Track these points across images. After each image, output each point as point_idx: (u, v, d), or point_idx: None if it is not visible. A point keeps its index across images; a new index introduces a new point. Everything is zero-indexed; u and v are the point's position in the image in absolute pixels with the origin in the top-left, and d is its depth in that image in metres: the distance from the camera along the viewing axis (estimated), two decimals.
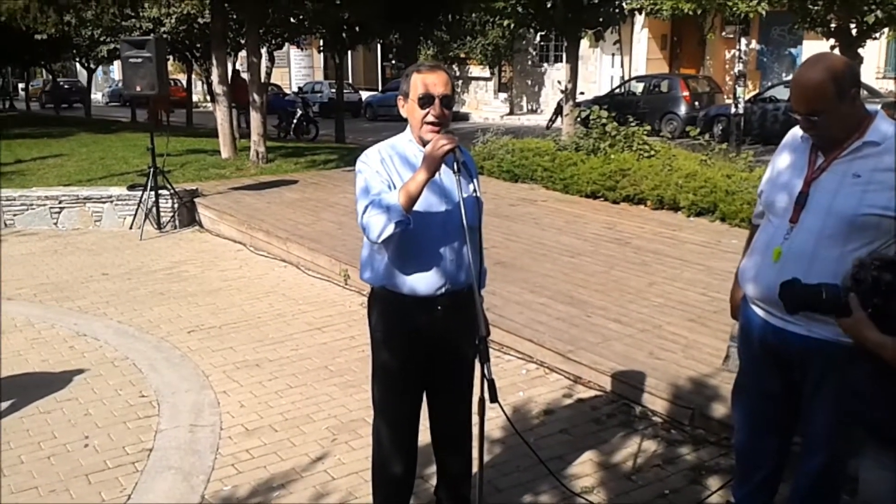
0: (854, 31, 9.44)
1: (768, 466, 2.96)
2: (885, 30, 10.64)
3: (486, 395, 2.39)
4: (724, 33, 23.23)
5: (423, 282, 2.84)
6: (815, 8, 9.66)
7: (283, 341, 5.49)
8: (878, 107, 2.86)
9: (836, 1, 9.10)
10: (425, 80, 2.76)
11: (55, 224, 9.47)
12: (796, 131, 2.74)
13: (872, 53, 19.21)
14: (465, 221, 2.56)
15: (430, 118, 2.76)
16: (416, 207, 2.70)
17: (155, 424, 4.24)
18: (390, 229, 2.65)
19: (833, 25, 9.46)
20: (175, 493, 3.57)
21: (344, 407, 4.43)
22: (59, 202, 9.54)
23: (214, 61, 13.98)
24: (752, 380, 2.90)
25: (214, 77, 14.11)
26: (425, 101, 2.75)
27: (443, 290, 2.85)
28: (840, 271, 2.26)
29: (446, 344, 2.90)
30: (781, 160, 2.77)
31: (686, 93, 19.80)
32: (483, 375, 2.40)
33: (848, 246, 2.47)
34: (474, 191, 2.81)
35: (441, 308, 2.86)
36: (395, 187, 2.73)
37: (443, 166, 2.70)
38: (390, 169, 2.81)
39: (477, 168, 3.10)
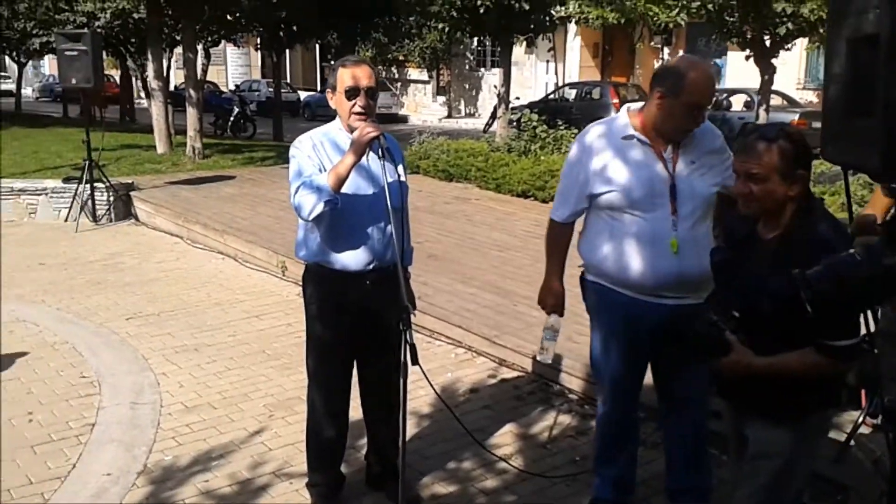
0: (768, 43, 10.04)
1: (636, 439, 3.29)
2: (800, 41, 11.30)
3: (409, 359, 2.65)
4: (652, 43, 24.04)
5: (353, 258, 3.11)
6: (731, 20, 10.24)
7: (220, 328, 5.68)
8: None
9: (750, 13, 9.68)
10: (352, 73, 3.03)
11: None
12: (601, 130, 2.99)
13: (793, 65, 20.17)
14: (388, 202, 2.84)
15: (356, 108, 3.04)
16: (345, 190, 2.97)
17: (97, 402, 4.41)
18: (320, 207, 2.92)
19: (749, 37, 10.05)
20: (118, 462, 3.76)
21: (281, 387, 4.66)
22: None
23: (150, 57, 13.95)
24: (622, 356, 3.08)
25: (150, 73, 14.08)
26: (352, 92, 3.03)
27: (371, 265, 3.13)
28: (710, 249, 2.63)
29: (374, 315, 3.16)
30: (612, 162, 2.93)
31: (616, 100, 20.40)
32: (405, 341, 2.65)
33: (707, 223, 2.92)
34: (399, 175, 3.12)
35: (369, 282, 3.14)
36: (325, 171, 3.00)
37: (371, 154, 2.99)
38: (321, 154, 3.08)
39: (404, 156, 3.38)
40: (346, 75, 3.04)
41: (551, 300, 3.24)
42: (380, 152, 2.91)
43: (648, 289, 2.93)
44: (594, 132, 3.02)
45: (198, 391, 4.60)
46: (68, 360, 5.02)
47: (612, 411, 3.20)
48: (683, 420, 3.16)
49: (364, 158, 2.96)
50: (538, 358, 3.43)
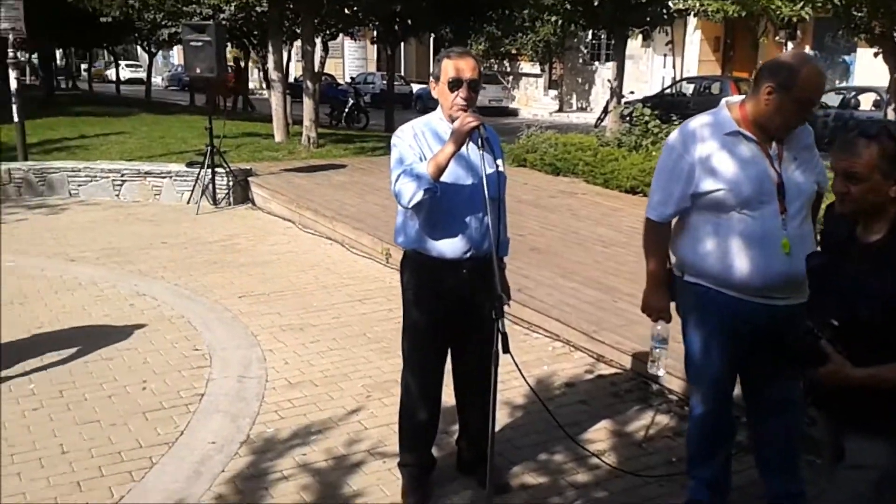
0: None
1: (732, 441, 3.21)
2: None
3: (500, 347, 2.68)
4: (776, 38, 23.06)
5: (450, 246, 3.16)
6: (859, 15, 9.72)
7: (325, 309, 5.86)
8: None
9: (879, 8, 9.16)
10: (455, 65, 3.07)
11: (117, 196, 10.03)
12: (703, 124, 2.87)
13: None
14: (486, 192, 2.86)
15: (458, 100, 3.08)
16: (445, 179, 3.02)
17: (207, 374, 4.64)
18: (420, 195, 2.98)
19: (877, 32, 9.51)
20: (223, 431, 3.96)
21: (379, 369, 4.77)
22: (122, 175, 10.09)
23: (271, 49, 14.46)
24: (723, 358, 3.00)
25: (270, 64, 14.58)
26: (455, 83, 3.07)
27: (468, 254, 3.17)
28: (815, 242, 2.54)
29: (469, 303, 3.20)
30: (718, 157, 2.82)
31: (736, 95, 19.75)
32: (497, 329, 2.67)
33: (810, 222, 2.87)
34: (498, 166, 3.14)
35: (466, 271, 3.18)
36: (425, 159, 3.05)
37: (471, 145, 3.02)
38: (422, 143, 3.14)
39: (501, 146, 3.39)
40: (450, 66, 3.08)
41: (657, 304, 3.15)
42: (479, 142, 2.94)
43: (755, 289, 2.83)
44: (696, 126, 2.92)
45: (301, 369, 4.77)
46: (183, 334, 5.30)
47: (710, 413, 3.12)
48: (778, 424, 3.06)
49: (464, 148, 2.99)
50: (650, 371, 3.32)
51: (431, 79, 3.22)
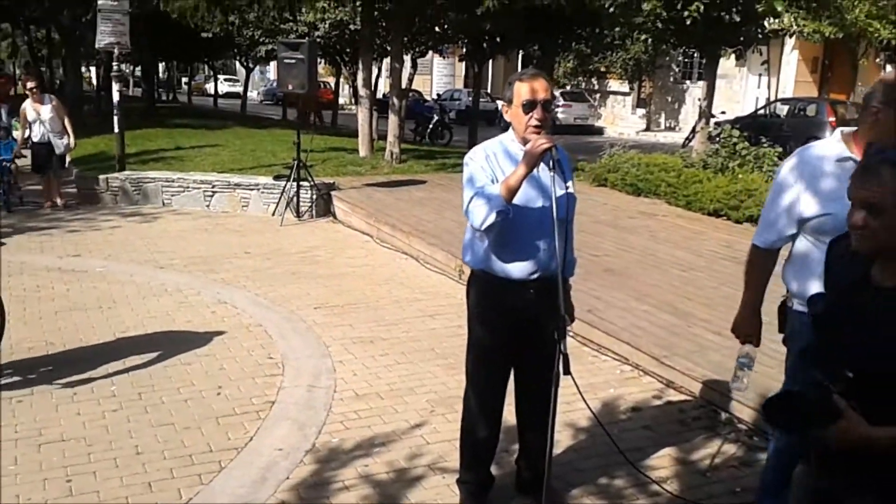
0: None
1: None
2: None
3: (560, 368, 2.69)
4: (877, 60, 22.21)
5: (518, 267, 3.18)
6: None
7: (396, 323, 5.96)
8: None
9: None
10: (530, 87, 3.10)
11: (207, 206, 10.43)
12: (813, 152, 2.87)
13: None
14: (555, 215, 2.88)
15: (533, 121, 3.10)
16: (516, 201, 3.04)
17: (279, 382, 4.79)
18: (492, 218, 3.01)
19: None
20: (291, 439, 4.07)
21: (444, 385, 4.82)
22: (213, 186, 10.50)
23: (360, 66, 14.79)
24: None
25: (359, 81, 14.92)
26: (529, 105, 3.10)
27: (535, 275, 3.19)
28: None
29: (534, 323, 3.20)
30: (825, 182, 2.81)
31: (832, 118, 19.04)
32: (559, 350, 2.69)
33: None
34: (568, 187, 3.16)
35: (533, 291, 3.19)
36: (497, 181, 3.08)
37: (542, 166, 3.04)
38: (494, 164, 3.17)
39: (577, 165, 3.41)
40: (524, 89, 3.11)
41: (747, 329, 3.16)
42: (551, 164, 2.97)
43: None
44: (805, 154, 2.94)
45: (369, 381, 4.86)
46: (259, 342, 5.48)
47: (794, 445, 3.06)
48: None
49: (535, 170, 3.02)
50: (732, 387, 3.31)
51: (504, 102, 3.26)
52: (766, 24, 14.23)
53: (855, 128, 2.87)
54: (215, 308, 6.23)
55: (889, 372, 1.84)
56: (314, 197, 10.14)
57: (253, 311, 6.18)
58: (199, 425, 4.22)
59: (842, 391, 1.86)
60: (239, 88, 37.58)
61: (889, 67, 13.02)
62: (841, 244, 2.09)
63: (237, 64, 39.20)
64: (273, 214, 10.05)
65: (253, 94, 41.61)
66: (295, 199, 9.99)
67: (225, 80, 46.05)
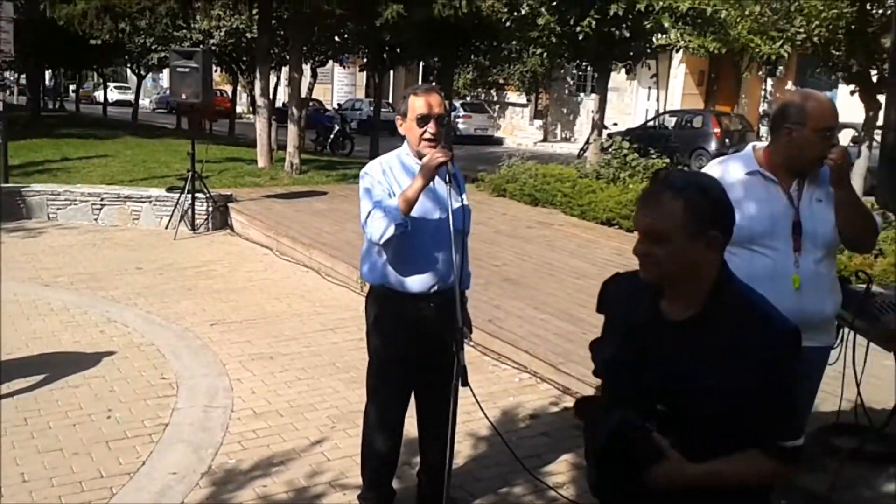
0: (875, 78, 9.66)
1: None
2: None
3: (459, 381, 2.73)
4: (759, 73, 23.43)
5: (417, 281, 3.21)
6: (837, 53, 9.92)
7: (296, 338, 5.88)
8: None
9: (857, 48, 9.35)
10: (425, 101, 3.14)
11: (95, 220, 10.02)
12: (728, 164, 3.00)
13: None
14: (451, 226, 2.93)
15: (427, 135, 3.14)
16: (413, 213, 3.07)
17: (172, 403, 4.64)
18: (391, 231, 3.03)
19: (854, 70, 9.70)
20: (185, 461, 3.96)
21: (346, 399, 4.79)
22: (101, 199, 10.10)
23: (258, 74, 14.56)
24: None
25: (257, 90, 14.68)
26: (423, 120, 3.13)
27: (434, 288, 3.22)
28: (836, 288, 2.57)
29: (434, 336, 3.21)
30: (734, 194, 2.84)
31: (717, 129, 20.00)
32: (457, 362, 2.73)
33: (832, 263, 2.91)
34: (463, 200, 3.20)
35: (433, 304, 3.22)
36: (394, 195, 3.10)
37: (437, 179, 3.08)
38: (390, 178, 3.19)
39: (465, 181, 3.46)
40: (419, 103, 3.14)
41: None
42: (447, 177, 3.01)
43: None
44: (720, 165, 3.04)
45: (268, 398, 4.78)
46: (151, 362, 5.30)
47: None
48: None
49: (431, 182, 3.05)
50: None
51: (398, 115, 3.28)
52: (654, 39, 14.80)
53: (765, 143, 3.00)
54: (104, 327, 5.99)
55: (694, 411, 1.77)
56: (210, 209, 9.89)
57: (144, 329, 5.97)
58: (89, 450, 4.04)
59: (658, 427, 1.77)
60: (130, 96, 36.26)
61: (770, 81, 13.73)
62: (619, 282, 2.02)
63: (128, 71, 37.94)
64: (166, 228, 9.75)
65: (145, 102, 40.33)
66: (190, 211, 9.72)
67: (115, 87, 44.44)
